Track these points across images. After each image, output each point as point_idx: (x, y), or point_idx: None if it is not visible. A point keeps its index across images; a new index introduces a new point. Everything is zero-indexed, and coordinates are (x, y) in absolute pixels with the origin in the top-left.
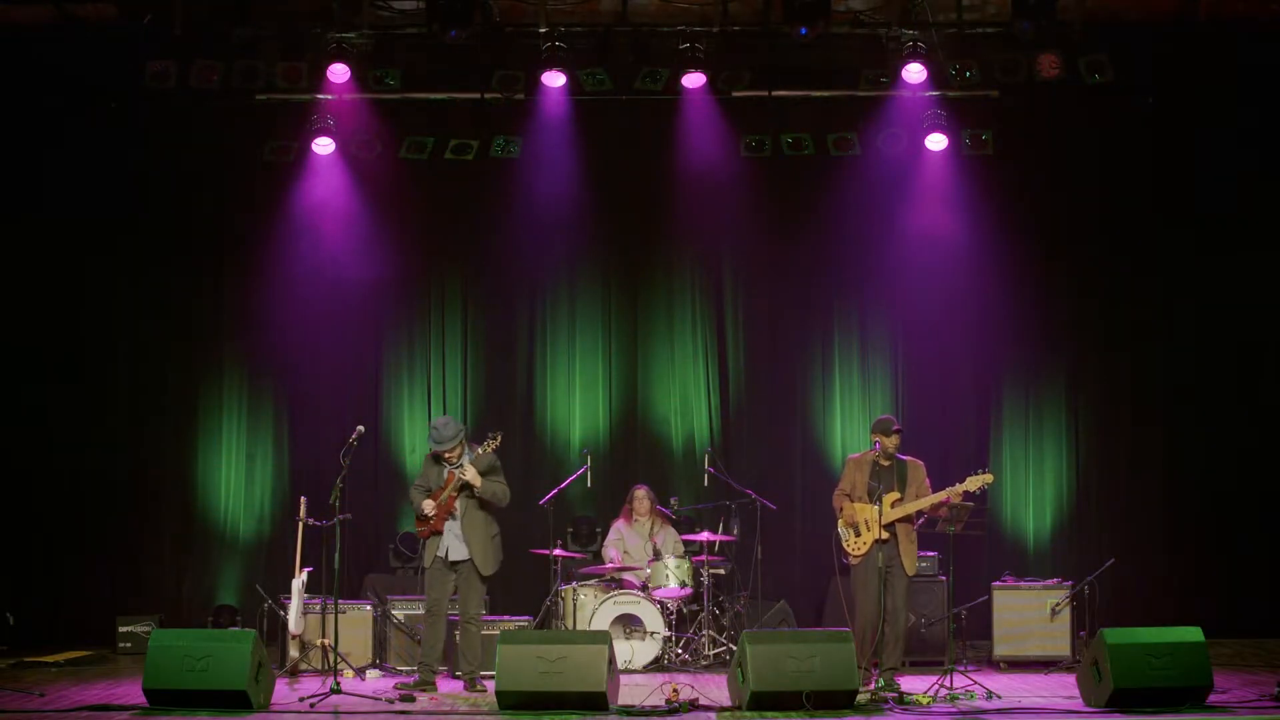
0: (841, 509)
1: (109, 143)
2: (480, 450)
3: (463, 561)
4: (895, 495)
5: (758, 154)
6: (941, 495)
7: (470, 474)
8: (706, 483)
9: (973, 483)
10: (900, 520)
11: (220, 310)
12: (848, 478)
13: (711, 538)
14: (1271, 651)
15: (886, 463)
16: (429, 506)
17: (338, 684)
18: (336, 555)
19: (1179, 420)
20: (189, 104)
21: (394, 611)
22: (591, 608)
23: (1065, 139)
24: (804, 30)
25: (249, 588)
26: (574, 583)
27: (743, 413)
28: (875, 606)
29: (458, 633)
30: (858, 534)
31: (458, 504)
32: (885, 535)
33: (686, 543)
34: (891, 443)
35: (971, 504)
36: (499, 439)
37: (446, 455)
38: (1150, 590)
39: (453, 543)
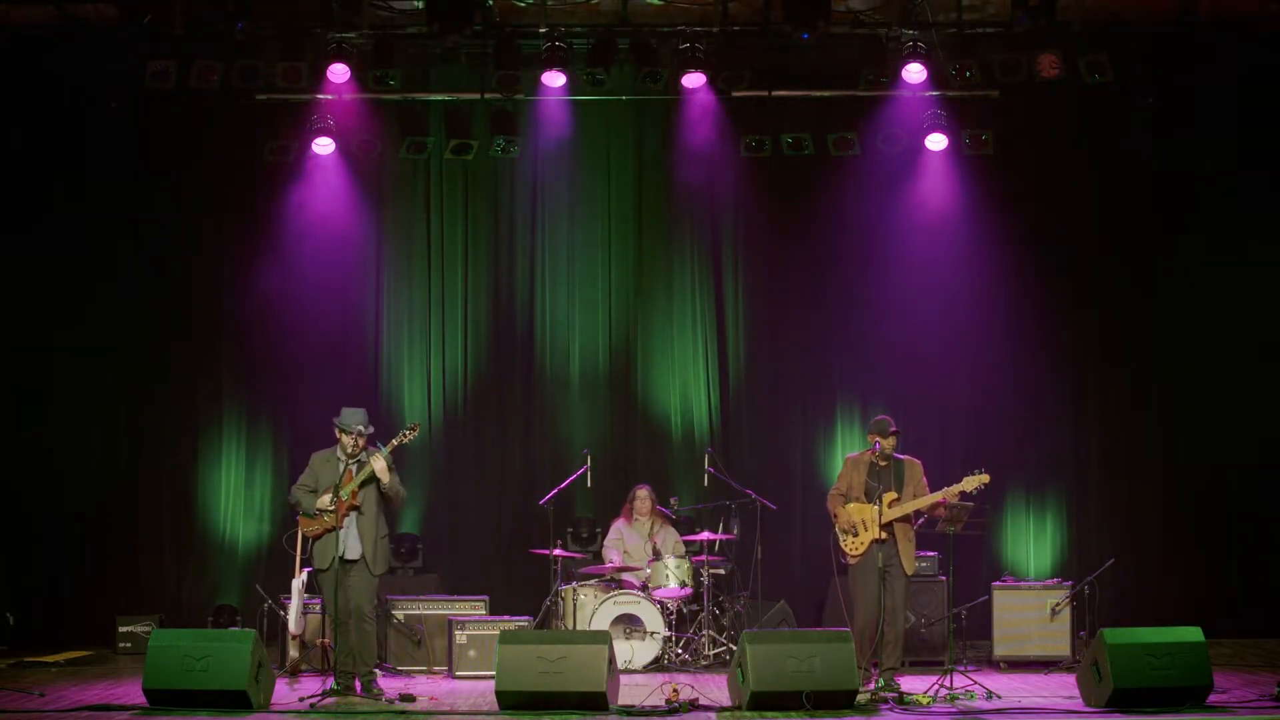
0: (837, 514)
1: (109, 143)
2: (395, 441)
3: (355, 560)
4: (893, 495)
5: (758, 154)
6: (938, 495)
7: (381, 465)
8: (706, 483)
9: (969, 483)
10: (898, 520)
11: (220, 310)
12: (844, 478)
13: (711, 537)
14: (1271, 651)
15: (884, 463)
16: (327, 501)
17: (338, 684)
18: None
19: (1179, 419)
20: (189, 104)
21: (394, 611)
22: (591, 608)
23: (1065, 139)
24: (805, 34)
25: (249, 588)
26: (574, 583)
27: (743, 414)
28: (874, 606)
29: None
30: (855, 534)
31: (361, 496)
32: (883, 535)
33: (686, 543)
34: (889, 443)
35: (971, 504)
36: (417, 429)
37: (352, 444)
38: (1150, 590)
39: (350, 541)
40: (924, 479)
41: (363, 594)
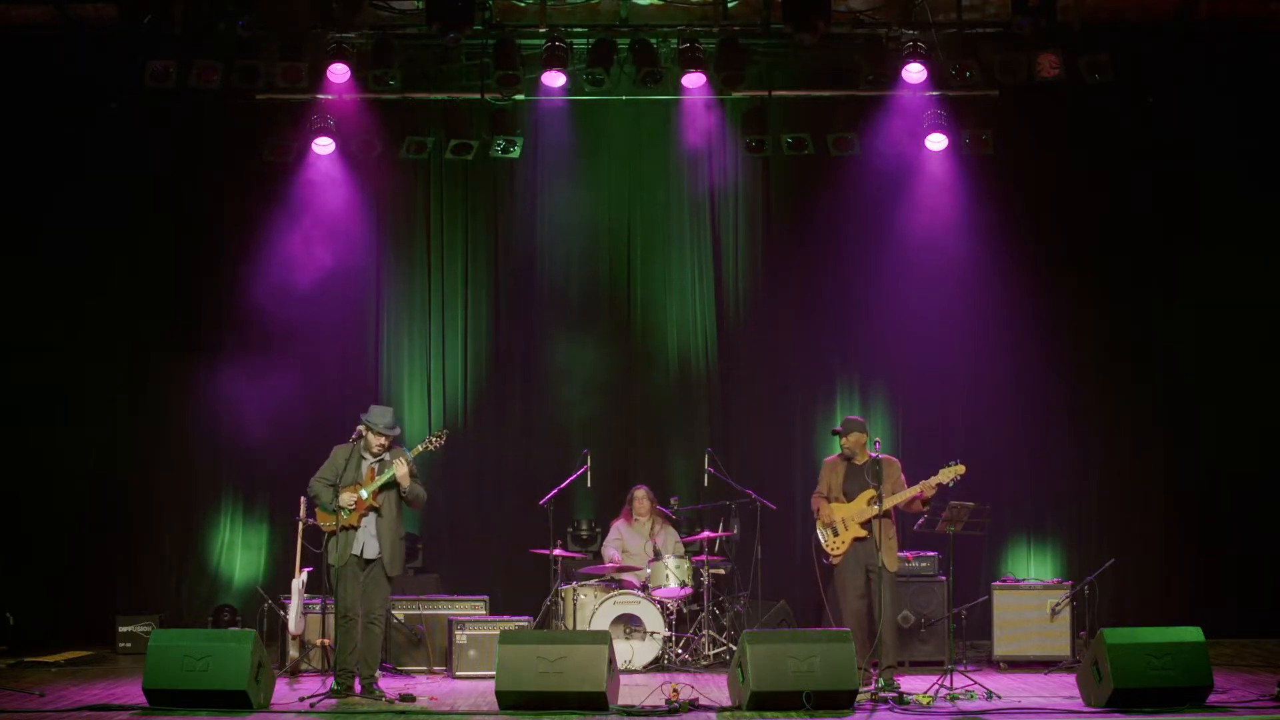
0: (819, 510)
1: (109, 143)
2: (420, 447)
3: (373, 560)
4: (871, 493)
5: (758, 154)
6: (916, 489)
7: (403, 472)
8: (706, 483)
9: (945, 474)
10: (878, 518)
11: (220, 309)
12: (824, 480)
13: (711, 537)
14: (1271, 651)
15: (860, 462)
16: (348, 499)
17: (338, 684)
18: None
19: (1179, 419)
20: (189, 104)
21: (394, 611)
22: (591, 608)
23: (1065, 139)
24: (807, 38)
25: (249, 588)
26: (574, 583)
27: (744, 413)
28: (861, 604)
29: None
30: (836, 534)
31: (381, 498)
32: (864, 533)
33: (686, 543)
34: (850, 442)
35: (972, 504)
36: (444, 437)
37: (381, 443)
38: (1150, 590)
39: (368, 540)
40: (902, 476)
41: (376, 595)
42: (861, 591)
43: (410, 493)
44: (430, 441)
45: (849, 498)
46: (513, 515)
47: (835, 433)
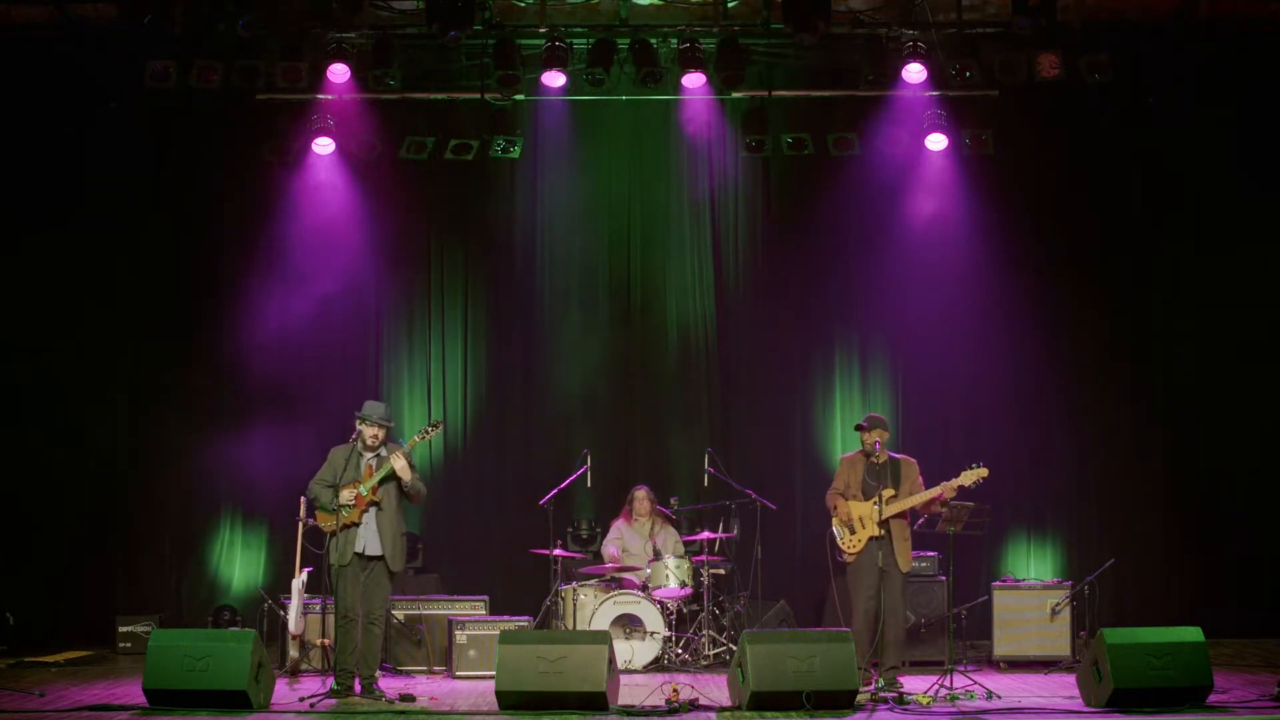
0: (835, 507)
1: (109, 143)
2: (417, 438)
3: (375, 558)
4: (890, 492)
5: (758, 154)
6: (936, 490)
7: (402, 464)
8: (706, 483)
9: (967, 477)
10: (894, 518)
11: (219, 309)
12: (841, 477)
13: (711, 537)
14: (1271, 651)
15: (879, 461)
16: (348, 496)
17: (338, 684)
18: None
19: (1179, 419)
20: (189, 104)
21: (394, 611)
22: (591, 608)
23: (1065, 139)
24: (808, 37)
25: (249, 588)
26: (574, 583)
27: (743, 417)
28: (872, 605)
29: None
30: (852, 531)
31: (381, 493)
32: (880, 532)
33: (686, 543)
34: (872, 438)
35: (971, 504)
36: (440, 427)
37: (372, 436)
38: (1150, 590)
39: (370, 537)
40: (919, 478)
41: (378, 593)
42: (873, 591)
43: (411, 487)
44: (426, 432)
45: (867, 496)
46: (513, 515)
47: (859, 428)
